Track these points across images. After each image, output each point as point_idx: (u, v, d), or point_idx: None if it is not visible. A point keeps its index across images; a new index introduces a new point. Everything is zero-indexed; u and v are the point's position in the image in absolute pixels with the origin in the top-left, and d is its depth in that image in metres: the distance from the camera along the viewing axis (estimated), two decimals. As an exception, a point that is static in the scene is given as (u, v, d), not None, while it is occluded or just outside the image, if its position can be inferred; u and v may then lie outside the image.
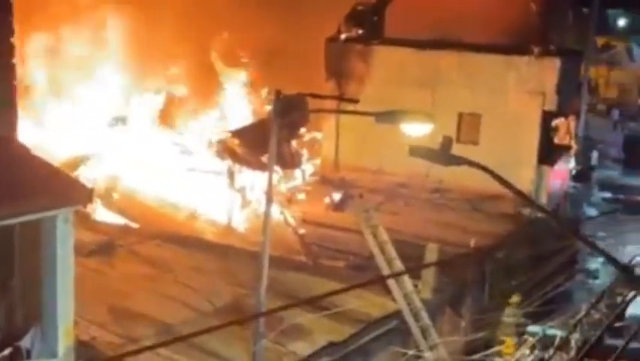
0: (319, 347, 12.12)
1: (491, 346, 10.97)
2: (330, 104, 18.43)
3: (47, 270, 8.83)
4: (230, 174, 18.23)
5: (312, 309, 12.20)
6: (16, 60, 9.29)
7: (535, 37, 21.11)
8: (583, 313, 6.15)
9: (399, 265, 13.93)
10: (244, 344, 11.36)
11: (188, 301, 13.13)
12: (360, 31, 23.06)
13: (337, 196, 19.31)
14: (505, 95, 20.60)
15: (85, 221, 15.05)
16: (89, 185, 10.04)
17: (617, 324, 6.50)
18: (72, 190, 9.07)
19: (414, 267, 13.64)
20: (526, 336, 6.51)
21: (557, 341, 6.23)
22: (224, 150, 18.62)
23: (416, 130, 10.04)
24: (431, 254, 14.44)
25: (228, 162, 18.48)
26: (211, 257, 15.13)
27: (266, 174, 14.91)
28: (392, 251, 14.10)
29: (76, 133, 17.70)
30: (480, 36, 21.12)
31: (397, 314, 13.73)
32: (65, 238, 8.80)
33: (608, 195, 27.48)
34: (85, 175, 16.35)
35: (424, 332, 13.64)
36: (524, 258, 17.35)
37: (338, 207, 19.04)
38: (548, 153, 21.26)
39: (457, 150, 7.05)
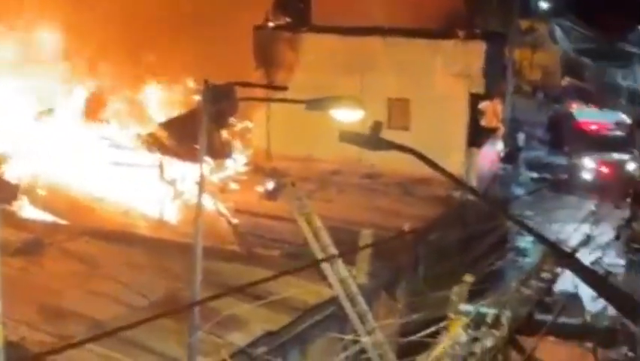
0: (256, 336, 12.07)
1: (428, 327, 11.12)
2: (260, 92, 18.34)
3: (-29, 271, 8.52)
4: (161, 167, 17.97)
5: (247, 299, 12.13)
6: None
7: (460, 22, 21.43)
8: (513, 290, 6.27)
9: (333, 251, 13.97)
10: (179, 337, 11.22)
11: (121, 296, 12.89)
12: (288, 19, 22.98)
13: (270, 185, 19.24)
14: (433, 79, 20.87)
15: (10, 219, 14.62)
16: (14, 182, 9.75)
17: (547, 300, 6.65)
18: (-6, 188, 8.78)
19: (347, 251, 13.69)
20: (458, 316, 6.62)
21: (489, 319, 6.34)
22: (153, 142, 18.34)
23: (347, 116, 10.05)
24: (365, 240, 14.53)
25: (158, 155, 18.21)
26: (143, 251, 14.88)
27: (196, 165, 14.77)
28: (326, 238, 14.13)
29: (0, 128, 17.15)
30: (406, 21, 21.32)
31: (334, 301, 13.79)
32: (-11, 237, 8.50)
33: (535, 174, 28.16)
34: (9, 172, 15.86)
35: (360, 316, 13.74)
36: (456, 240, 17.64)
37: (271, 195, 18.98)
38: (477, 135, 21.64)
39: (388, 135, 7.08)
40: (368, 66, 21.26)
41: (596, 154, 27.65)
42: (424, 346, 11.28)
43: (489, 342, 6.07)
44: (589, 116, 31.44)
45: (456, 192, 19.77)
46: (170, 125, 18.51)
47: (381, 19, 21.65)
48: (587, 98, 34.61)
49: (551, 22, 35.13)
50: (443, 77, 20.84)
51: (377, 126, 6.05)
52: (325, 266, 13.74)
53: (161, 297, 12.99)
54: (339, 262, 13.82)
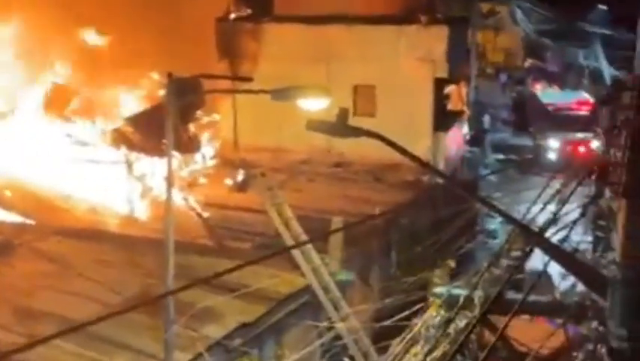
0: (231, 329, 12.10)
1: (403, 311, 11.23)
2: (226, 84, 18.27)
3: (-60, 276, 8.43)
4: (128, 163, 17.85)
5: (221, 291, 12.14)
6: None
7: (422, 7, 21.52)
8: (483, 270, 6.39)
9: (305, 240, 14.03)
10: (155, 333, 11.21)
11: (94, 295, 12.84)
12: (249, 10, 22.89)
13: (239, 177, 19.20)
14: (397, 65, 20.93)
15: (-23, 222, 14.46)
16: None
17: (517, 279, 6.78)
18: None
19: (318, 236, 13.72)
20: (432, 298, 6.74)
21: (461, 300, 6.47)
22: (119, 138, 18.19)
23: (313, 105, 10.07)
24: (336, 228, 14.59)
25: (125, 151, 18.08)
26: (114, 249, 14.82)
27: (164, 160, 14.69)
28: (297, 227, 14.18)
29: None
30: (368, 8, 21.37)
31: (307, 289, 13.86)
32: (-43, 240, 8.41)
33: (501, 156, 28.43)
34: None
35: (334, 304, 13.82)
36: (427, 223, 17.78)
37: (241, 187, 18.94)
38: (443, 119, 21.79)
39: (354, 123, 7.10)
40: (332, 54, 21.27)
41: (560, 134, 27.98)
42: (398, 330, 11.40)
43: (462, 323, 6.19)
44: (552, 97, 31.79)
45: (425, 176, 19.93)
46: (136, 120, 18.36)
47: (343, 7, 21.67)
48: (549, 78, 34.98)
49: (512, 4, 35.39)
50: (407, 63, 20.93)
51: (344, 113, 6.09)
52: (297, 255, 13.78)
53: (134, 293, 12.95)
54: (312, 251, 13.87)
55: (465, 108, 24.85)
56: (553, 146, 28.20)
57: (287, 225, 14.18)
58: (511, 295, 6.62)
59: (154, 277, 13.03)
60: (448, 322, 6.46)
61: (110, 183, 17.59)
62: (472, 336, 6.36)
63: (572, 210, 7.96)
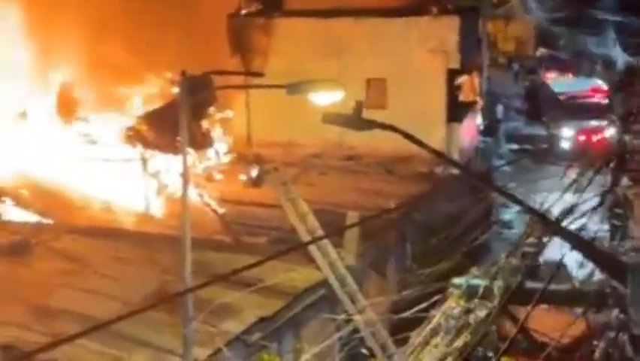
0: (250, 323, 12.14)
1: (420, 303, 11.22)
2: (238, 80, 18.31)
3: (-39, 276, 8.51)
4: (143, 160, 17.91)
5: (238, 287, 12.17)
6: None
7: (431, -3, 21.48)
8: (503, 260, 6.38)
9: (321, 234, 14.03)
10: (174, 329, 11.27)
11: (112, 292, 12.91)
12: (260, 5, 22.90)
13: (253, 172, 19.25)
14: (409, 57, 20.90)
15: (-6, 222, 14.58)
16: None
17: (536, 268, 6.76)
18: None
19: (335, 231, 13.75)
20: (451, 289, 6.74)
21: (481, 290, 6.46)
22: (134, 136, 18.26)
23: (326, 99, 10.08)
24: (352, 222, 14.61)
25: (139, 148, 18.14)
26: (131, 246, 14.88)
27: (179, 157, 14.73)
28: (313, 221, 14.20)
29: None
30: (378, 0, 21.32)
31: (324, 283, 13.88)
32: (-23, 241, 8.48)
33: (515, 146, 28.33)
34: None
35: (351, 297, 13.85)
36: (441, 215, 17.75)
37: (255, 183, 18.99)
38: (456, 110, 21.73)
39: (366, 116, 7.11)
40: (343, 48, 21.26)
41: (573, 122, 27.85)
42: (415, 322, 11.40)
43: (482, 313, 6.19)
44: (565, 85, 31.63)
45: (438, 168, 19.91)
46: (149, 117, 18.43)
47: (353, 0, 21.64)
48: (562, 66, 34.78)
49: (523, -8, 35.18)
50: (419, 54, 20.89)
51: (359, 106, 6.10)
52: (313, 249, 13.81)
53: (152, 290, 13.00)
54: (328, 245, 13.89)
55: (478, 98, 24.76)
56: (566, 135, 28.07)
57: (302, 219, 14.21)
58: (529, 284, 6.61)
59: (171, 273, 13.10)
60: (468, 312, 6.46)
61: (126, 180, 17.67)
62: (492, 327, 6.36)
63: (588, 199, 7.94)
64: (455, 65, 21.27)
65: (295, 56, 20.82)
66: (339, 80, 10.93)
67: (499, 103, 29.61)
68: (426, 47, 20.82)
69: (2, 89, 18.00)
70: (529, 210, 5.35)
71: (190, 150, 16.12)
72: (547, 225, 5.81)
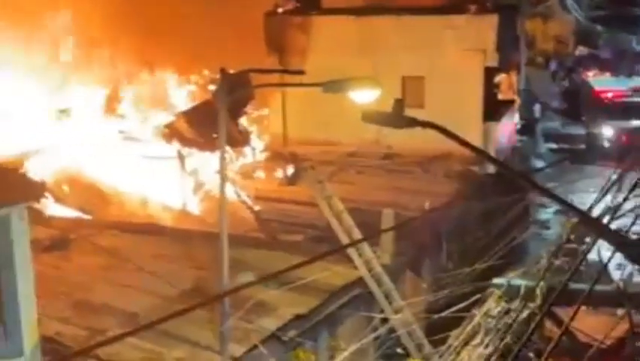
0: (286, 320, 12.18)
1: (455, 303, 11.17)
2: (274, 78, 18.34)
3: (6, 270, 8.66)
4: (181, 158, 18.06)
5: (275, 284, 12.21)
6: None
7: (471, -5, 21.32)
8: (548, 261, 6.29)
9: (357, 233, 14.04)
10: (211, 325, 11.37)
11: (150, 287, 13.03)
12: (297, 4, 22.95)
13: (289, 170, 19.30)
14: (446, 55, 20.77)
15: (36, 217, 14.76)
16: (40, 180, 9.89)
17: (579, 269, 6.70)
18: (24, 187, 8.89)
19: (374, 234, 13.76)
20: (491, 289, 6.67)
21: (522, 290, 6.38)
22: (172, 133, 18.42)
23: (364, 97, 10.06)
24: (387, 220, 14.58)
25: (177, 146, 18.30)
26: (169, 242, 15.02)
27: (216, 155, 14.80)
28: (349, 220, 14.20)
29: (20, 127, 17.28)
30: (416, -2, 21.26)
31: (360, 281, 13.88)
32: (21, 235, 8.63)
33: (553, 145, 28.03)
34: (33, 170, 16.01)
35: (387, 296, 13.82)
36: (478, 215, 17.64)
37: (291, 181, 19.02)
38: (493, 109, 21.56)
39: (405, 114, 7.07)
40: (380, 46, 21.20)
41: (614, 122, 27.46)
42: (452, 322, 11.34)
43: (523, 313, 6.12)
44: (605, 84, 31.17)
45: (475, 167, 19.78)
46: (188, 115, 18.58)
47: (390, -2, 21.62)
48: (601, 66, 34.31)
49: (562, -9, 34.77)
50: (457, 53, 20.74)
51: (399, 104, 6.08)
52: (350, 248, 13.81)
53: (190, 286, 13.12)
54: (364, 244, 13.89)
55: (515, 97, 24.56)
56: (606, 134, 27.69)
57: (338, 218, 14.22)
58: (571, 285, 6.53)
59: (208, 269, 13.21)
60: (508, 313, 6.40)
61: (164, 177, 17.83)
62: (533, 326, 6.29)
63: (630, 200, 7.83)
64: (493, 63, 21.08)
65: (331, 54, 20.80)
66: (376, 78, 10.88)
67: (536, 102, 29.32)
68: (463, 45, 20.67)
69: (46, 87, 18.29)
70: (572, 210, 5.28)
71: (227, 148, 16.25)
72: (591, 225, 5.73)
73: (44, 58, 18.07)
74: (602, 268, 6.23)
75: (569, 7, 35.16)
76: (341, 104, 12.27)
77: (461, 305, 8.05)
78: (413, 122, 5.90)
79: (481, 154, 7.62)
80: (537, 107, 29.14)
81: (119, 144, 18.51)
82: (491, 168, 19.59)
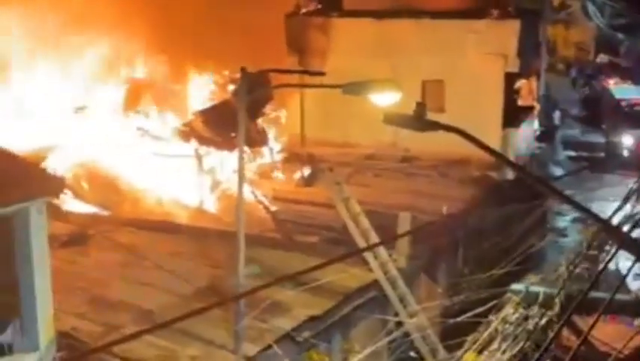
0: (300, 321, 12.17)
1: (470, 308, 11.12)
2: (293, 79, 18.34)
3: (23, 263, 8.72)
4: (198, 156, 18.10)
5: (290, 285, 12.22)
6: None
7: (492, 0, 21.20)
8: (567, 269, 6.24)
9: (373, 236, 14.01)
10: (225, 324, 11.38)
11: (166, 285, 13.08)
12: (319, 5, 22.95)
13: (306, 171, 19.30)
14: (467, 59, 20.68)
15: (55, 212, 14.85)
16: (59, 175, 9.95)
17: (598, 278, 6.63)
18: (43, 181, 8.95)
19: (391, 238, 13.72)
20: (509, 295, 6.63)
21: (541, 297, 6.34)
22: (190, 132, 18.47)
23: (384, 100, 10.03)
24: (404, 223, 14.54)
25: (195, 144, 18.34)
26: (185, 241, 15.06)
27: (233, 154, 14.83)
28: (366, 222, 14.17)
29: (39, 123, 17.40)
30: (438, 2, 21.16)
31: (375, 284, 13.84)
32: (39, 229, 8.69)
33: (572, 153, 27.83)
34: (52, 166, 16.10)
35: (402, 300, 13.77)
36: (495, 220, 17.54)
37: (308, 182, 19.03)
38: (513, 114, 21.45)
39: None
40: (401, 49, 21.15)
41: (634, 131, 27.21)
42: (467, 328, 11.29)
43: (542, 321, 6.08)
44: (626, 92, 30.90)
45: (493, 172, 19.69)
46: (206, 114, 18.62)
47: (412, 1, 21.54)
48: (622, 74, 34.04)
49: (585, -2, 34.56)
50: (477, 57, 20.65)
51: (421, 107, 6.05)
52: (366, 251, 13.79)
53: (205, 284, 13.15)
54: (380, 247, 13.86)
55: (535, 103, 24.42)
56: (626, 143, 27.47)
57: (355, 220, 14.20)
58: (589, 293, 6.47)
59: (224, 268, 13.23)
60: (526, 319, 6.35)
61: (181, 176, 17.88)
62: (550, 333, 6.24)
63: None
64: (514, 68, 20.97)
65: (351, 56, 20.78)
66: (396, 81, 10.84)
67: (556, 109, 29.12)
68: (484, 50, 20.57)
69: (66, 84, 18.41)
70: (593, 218, 5.24)
71: (245, 148, 16.27)
72: (611, 234, 5.68)
73: (68, 54, 18.17)
74: (623, 278, 6.17)
75: (591, 14, 34.95)
76: (359, 106, 12.24)
77: (478, 310, 7.99)
78: (435, 126, 5.87)
79: (504, 160, 7.57)
80: (557, 114, 28.93)
81: (138, 142, 18.57)
82: (510, 174, 19.49)
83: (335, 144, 21.20)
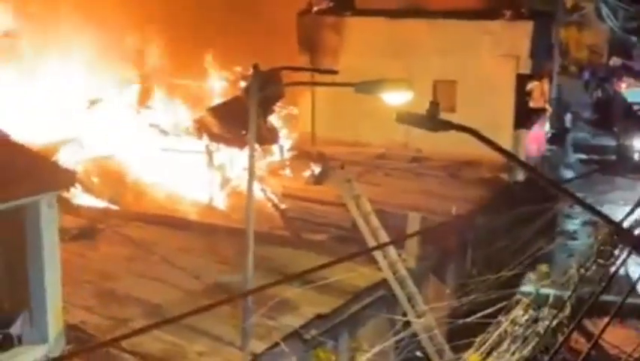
0: (307, 319, 12.17)
1: (479, 310, 11.10)
2: (305, 77, 18.36)
3: (33, 256, 8.76)
4: (209, 153, 18.12)
5: (297, 282, 12.22)
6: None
7: (506, 1, 21.12)
8: (578, 271, 6.21)
9: (383, 235, 14.00)
10: (233, 321, 11.39)
11: (174, 280, 13.10)
12: (331, 3, 22.91)
13: (317, 170, 19.30)
14: (479, 60, 20.61)
15: (65, 206, 14.90)
16: (70, 169, 10.00)
17: (609, 281, 6.61)
18: (55, 175, 8.98)
19: (400, 238, 13.70)
20: (519, 296, 6.60)
21: (551, 299, 6.31)
22: (201, 128, 18.49)
23: (396, 99, 10.01)
24: (413, 223, 14.52)
25: (206, 141, 18.36)
26: (194, 236, 15.09)
27: (244, 151, 14.85)
28: (376, 221, 14.16)
29: (51, 117, 17.46)
30: (451, 2, 21.10)
31: (383, 284, 13.83)
32: (50, 222, 8.72)
33: (582, 156, 27.72)
34: (63, 159, 16.16)
35: (410, 299, 13.75)
36: (505, 222, 17.48)
37: (318, 180, 19.04)
38: (524, 116, 21.38)
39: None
40: (413, 49, 21.11)
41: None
42: (474, 329, 11.27)
43: (551, 323, 6.05)
44: (638, 96, 30.75)
45: (504, 174, 19.64)
46: (217, 111, 18.63)
47: (424, 1, 21.49)
48: (635, 77, 33.87)
49: (598, 0, 34.39)
50: (490, 58, 20.57)
51: (435, 107, 6.04)
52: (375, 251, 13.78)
53: (213, 280, 13.17)
54: (389, 246, 13.85)
55: (547, 106, 24.33)
56: (638, 147, 27.35)
57: (365, 218, 14.19)
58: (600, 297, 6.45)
59: (232, 265, 13.26)
60: (535, 321, 6.33)
61: (191, 172, 17.91)
62: (564, 337, 6.22)
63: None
64: (526, 70, 20.88)
65: (363, 55, 20.75)
66: (408, 81, 10.81)
67: (568, 111, 29.00)
68: (497, 51, 20.49)
69: (80, 79, 18.46)
70: (605, 220, 5.22)
71: (256, 145, 16.27)
72: (623, 237, 5.65)
73: (83, 48, 18.22)
74: (634, 283, 6.13)
75: (605, 16, 34.78)
76: (371, 105, 12.23)
77: (487, 311, 7.97)
78: (448, 126, 5.86)
79: (516, 161, 7.54)
80: (568, 117, 28.81)
81: (149, 137, 18.61)
82: (520, 176, 19.45)
83: (346, 143, 21.19)
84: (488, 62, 20.55)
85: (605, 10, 35.18)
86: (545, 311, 6.32)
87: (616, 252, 6.74)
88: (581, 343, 6.66)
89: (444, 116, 6.64)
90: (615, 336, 7.49)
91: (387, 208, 15.69)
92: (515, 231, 16.59)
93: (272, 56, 15.17)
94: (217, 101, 19.81)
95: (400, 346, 13.17)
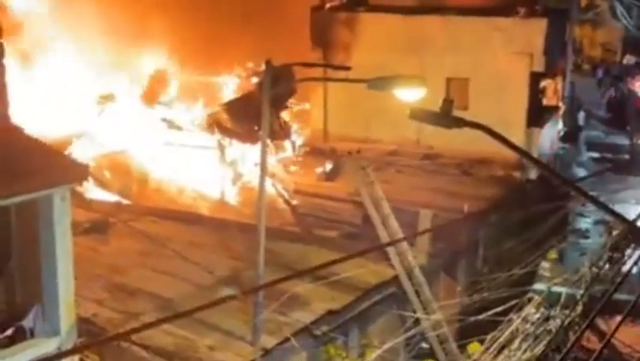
0: (318, 315, 12.18)
1: (489, 308, 11.07)
2: (317, 73, 18.32)
3: (46, 249, 8.80)
4: (221, 148, 18.15)
5: (309, 278, 12.24)
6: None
7: (519, -2, 21.04)
8: (590, 270, 6.18)
9: (394, 223, 14.01)
10: (244, 315, 11.42)
11: (186, 275, 13.15)
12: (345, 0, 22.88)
13: (328, 166, 19.30)
14: (493, 57, 20.52)
15: (77, 200, 14.96)
16: (83, 162, 10.02)
17: (622, 279, 6.58)
18: (68, 168, 9.02)
19: (411, 235, 13.70)
20: (531, 294, 6.59)
21: (563, 298, 6.29)
22: (214, 123, 18.51)
23: (409, 96, 9.99)
24: (425, 220, 14.52)
25: (218, 136, 18.38)
26: (206, 231, 15.13)
27: (256, 147, 14.85)
28: (387, 207, 14.17)
29: (63, 111, 17.53)
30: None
31: (394, 280, 13.83)
32: (63, 216, 8.75)
33: (595, 155, 27.58)
34: (76, 153, 16.22)
35: (418, 292, 13.75)
36: (516, 220, 17.43)
37: (329, 176, 19.05)
38: (537, 114, 21.29)
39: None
40: (426, 45, 21.05)
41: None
42: (485, 327, 11.25)
43: (563, 322, 6.04)
44: (653, 95, 30.57)
45: (516, 172, 19.58)
46: (230, 106, 18.64)
47: (438, -2, 21.45)
48: (650, 76, 33.66)
49: (613, -2, 34.20)
50: (503, 56, 20.48)
51: (448, 104, 6.03)
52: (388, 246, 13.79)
53: (225, 275, 13.20)
54: (402, 243, 13.85)
55: (560, 104, 24.22)
56: (652, 146, 27.21)
57: (377, 205, 14.20)
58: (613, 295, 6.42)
59: (243, 260, 13.30)
60: (547, 320, 6.31)
61: (203, 167, 17.94)
62: (577, 335, 6.20)
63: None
64: (539, 68, 20.78)
65: (376, 51, 20.72)
66: (422, 77, 10.78)
67: (581, 110, 28.86)
68: (511, 48, 20.40)
69: (94, 70, 18.52)
70: (619, 218, 5.19)
71: (268, 141, 16.27)
72: (637, 235, 5.63)
73: (94, 42, 18.29)
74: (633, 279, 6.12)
75: (619, 15, 34.61)
76: (383, 102, 12.23)
77: (498, 309, 7.95)
78: (461, 123, 5.85)
79: (530, 158, 7.52)
80: (581, 115, 28.66)
81: (162, 132, 18.65)
82: (533, 174, 19.38)
83: (358, 139, 21.13)
84: (502, 60, 20.46)
85: (619, 9, 35.00)
86: (557, 310, 6.30)
87: (628, 251, 6.71)
88: (592, 341, 6.64)
89: (456, 113, 6.63)
90: (627, 335, 7.46)
91: (399, 205, 15.66)
92: (527, 229, 16.54)
93: (284, 51, 15.17)
94: (230, 96, 19.82)
95: (410, 343, 13.17)
